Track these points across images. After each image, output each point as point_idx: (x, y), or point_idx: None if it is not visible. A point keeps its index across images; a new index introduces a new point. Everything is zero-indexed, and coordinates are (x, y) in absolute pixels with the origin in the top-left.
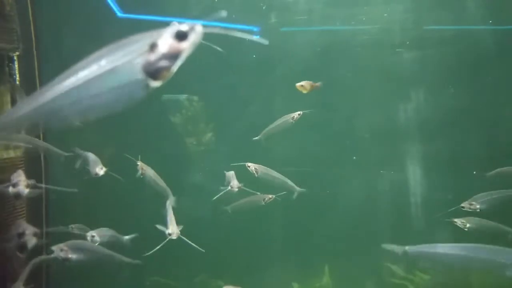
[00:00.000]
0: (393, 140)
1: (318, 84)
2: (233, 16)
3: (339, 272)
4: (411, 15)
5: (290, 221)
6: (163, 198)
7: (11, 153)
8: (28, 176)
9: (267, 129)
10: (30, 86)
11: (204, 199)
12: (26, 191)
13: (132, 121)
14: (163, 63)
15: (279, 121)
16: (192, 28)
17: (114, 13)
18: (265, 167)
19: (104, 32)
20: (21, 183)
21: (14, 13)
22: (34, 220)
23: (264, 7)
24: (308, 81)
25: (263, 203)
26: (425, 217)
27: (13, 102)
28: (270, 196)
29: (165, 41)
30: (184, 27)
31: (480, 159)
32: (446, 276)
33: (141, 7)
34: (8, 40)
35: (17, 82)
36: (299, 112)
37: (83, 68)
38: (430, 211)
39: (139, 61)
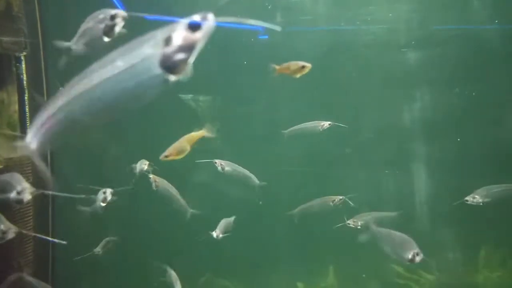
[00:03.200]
0: (398, 140)
1: (306, 65)
2: (238, 15)
3: (344, 272)
4: (416, 15)
5: (295, 221)
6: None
7: (18, 153)
8: (35, 175)
9: (294, 127)
10: (37, 86)
11: (208, 199)
12: (29, 198)
13: (135, 121)
14: (179, 55)
15: (308, 125)
16: (204, 18)
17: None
18: (230, 163)
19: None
20: (26, 191)
21: (22, 14)
22: (40, 220)
23: (269, 7)
24: (296, 62)
25: (332, 204)
26: (430, 217)
27: (20, 102)
28: (340, 197)
29: (179, 33)
30: (196, 18)
31: (486, 159)
32: (451, 276)
33: (147, 7)
34: (15, 40)
35: (24, 82)
36: (329, 122)
37: (102, 66)
38: (435, 211)
39: (156, 56)
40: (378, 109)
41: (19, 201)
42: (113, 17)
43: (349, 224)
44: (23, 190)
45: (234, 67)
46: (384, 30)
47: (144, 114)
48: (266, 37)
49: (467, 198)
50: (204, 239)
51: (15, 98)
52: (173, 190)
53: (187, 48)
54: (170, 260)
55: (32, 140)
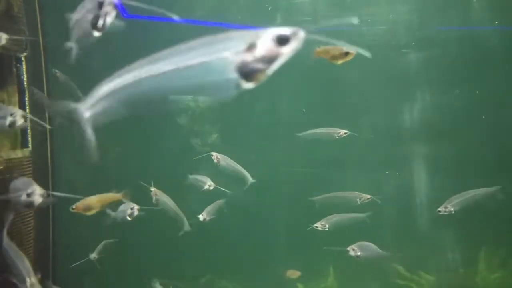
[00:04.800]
0: (398, 141)
1: (349, 52)
2: (239, 17)
3: (344, 273)
4: (417, 16)
5: (295, 222)
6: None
7: (19, 153)
8: (35, 176)
9: (310, 131)
10: (37, 86)
11: (209, 199)
12: (40, 200)
13: (136, 121)
14: (259, 65)
15: (325, 130)
16: (294, 34)
17: (120, 14)
18: (226, 157)
19: (110, 34)
20: (36, 193)
21: (22, 15)
22: (40, 221)
23: (269, 8)
24: (337, 46)
25: (358, 202)
26: (430, 218)
27: (21, 103)
28: (369, 197)
29: (265, 43)
30: (286, 31)
31: (486, 159)
32: (451, 277)
33: (147, 9)
34: (16, 41)
35: (25, 83)
36: (345, 131)
37: (176, 54)
38: (434, 212)
39: (234, 60)
40: (378, 110)
41: (30, 204)
42: (101, 4)
43: (316, 227)
44: (33, 192)
45: None
46: (385, 31)
47: (145, 116)
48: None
49: (439, 209)
50: (199, 237)
51: (15, 98)
52: (171, 203)
53: (269, 59)
54: (171, 263)
55: (87, 109)
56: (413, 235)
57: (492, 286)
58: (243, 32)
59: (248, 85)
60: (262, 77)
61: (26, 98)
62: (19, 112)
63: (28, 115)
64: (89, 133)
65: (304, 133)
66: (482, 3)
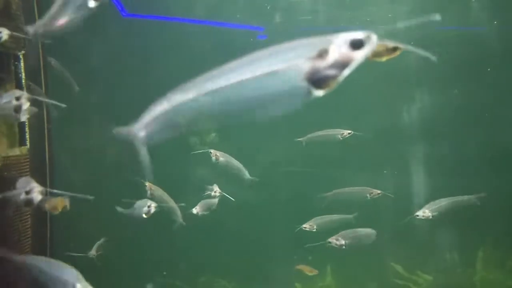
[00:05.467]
0: (396, 141)
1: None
2: (238, 16)
3: (342, 273)
4: (416, 16)
5: (293, 221)
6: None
7: (17, 151)
8: (33, 174)
9: (313, 134)
10: (35, 84)
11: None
12: (39, 198)
13: (135, 120)
14: (331, 71)
15: (328, 132)
16: (368, 37)
17: (119, 13)
18: (225, 154)
19: (109, 32)
20: (35, 190)
21: (20, 12)
22: (38, 219)
23: (268, 7)
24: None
25: (368, 197)
26: (428, 218)
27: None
28: (379, 192)
29: (338, 48)
30: (361, 35)
31: (484, 159)
32: (449, 277)
33: (146, 7)
34: (14, 39)
35: (23, 81)
36: (349, 131)
37: (245, 66)
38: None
39: (305, 67)
40: (377, 110)
41: (29, 202)
42: None
43: (305, 228)
44: (32, 189)
45: None
46: (384, 30)
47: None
48: (265, 37)
49: (417, 213)
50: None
51: None
52: (166, 198)
53: (342, 65)
54: (170, 263)
55: (141, 129)
56: (412, 235)
57: (490, 286)
58: (313, 39)
59: (319, 93)
60: (334, 84)
61: None
62: (25, 96)
63: (43, 99)
64: (144, 153)
65: (306, 137)
66: (481, 2)
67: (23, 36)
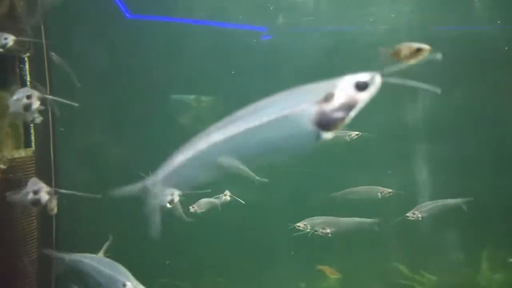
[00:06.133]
0: (400, 141)
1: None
2: (240, 16)
3: (346, 272)
4: (418, 16)
5: (298, 220)
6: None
7: (22, 153)
8: (38, 175)
9: None
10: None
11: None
12: (46, 198)
13: (140, 122)
14: (338, 114)
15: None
16: (372, 78)
17: (122, 14)
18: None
19: (112, 33)
20: (42, 190)
21: (25, 15)
22: (44, 219)
23: (271, 8)
24: (404, 45)
25: (379, 196)
26: (433, 217)
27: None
28: (390, 190)
29: (343, 91)
30: (365, 77)
31: (488, 160)
32: (453, 277)
33: (149, 9)
34: (18, 41)
35: (28, 83)
36: (356, 132)
37: (252, 113)
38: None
39: (312, 111)
40: (379, 109)
41: (37, 202)
42: None
43: (299, 226)
44: (39, 189)
45: (236, 68)
46: (386, 30)
47: (147, 115)
48: (269, 37)
49: (408, 214)
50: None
51: None
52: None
53: (349, 107)
54: (172, 263)
55: (159, 182)
56: (416, 234)
57: (494, 286)
58: (318, 84)
59: (328, 135)
60: (342, 125)
61: None
62: (35, 94)
63: (53, 97)
64: (156, 209)
65: None
66: (484, 2)
67: (28, 40)
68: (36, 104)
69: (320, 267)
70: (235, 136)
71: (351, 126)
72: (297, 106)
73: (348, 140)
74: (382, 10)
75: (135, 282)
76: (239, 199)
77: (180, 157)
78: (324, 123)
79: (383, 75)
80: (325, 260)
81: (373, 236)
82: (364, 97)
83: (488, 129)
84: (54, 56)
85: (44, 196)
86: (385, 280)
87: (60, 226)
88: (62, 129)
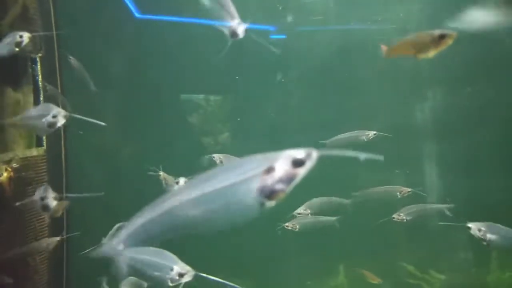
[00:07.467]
0: (409, 140)
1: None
2: (249, 16)
3: (354, 272)
4: (427, 15)
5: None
6: None
7: (34, 152)
8: (49, 174)
9: (336, 137)
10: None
11: None
12: (54, 203)
13: (148, 121)
14: (278, 186)
15: (352, 134)
16: (308, 155)
17: (132, 14)
18: (229, 156)
19: (123, 33)
20: (49, 196)
21: (37, 16)
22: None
23: (280, 8)
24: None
25: (399, 196)
26: (442, 216)
27: (36, 103)
28: (409, 190)
29: (282, 166)
30: (301, 155)
31: (499, 160)
32: (463, 277)
33: (158, 8)
34: (31, 42)
35: (40, 83)
36: (374, 132)
37: (200, 183)
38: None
39: (256, 182)
40: (389, 109)
41: (45, 207)
42: None
43: (287, 226)
44: (46, 196)
45: (245, 67)
46: (395, 30)
47: (158, 114)
48: (279, 37)
49: (394, 215)
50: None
51: (30, 99)
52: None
53: (287, 180)
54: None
55: (120, 243)
56: (424, 234)
57: (504, 286)
58: (261, 156)
59: (271, 203)
60: (283, 196)
61: (41, 98)
62: (61, 113)
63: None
64: (123, 268)
65: (330, 140)
66: (495, 1)
67: (37, 39)
68: (61, 122)
69: (363, 271)
70: (188, 201)
71: (362, 124)
72: (244, 175)
73: (366, 140)
74: (390, 9)
75: (182, 264)
76: None
77: (137, 221)
78: (266, 193)
79: (321, 149)
80: (332, 259)
81: (382, 235)
82: (301, 172)
83: (498, 128)
84: (72, 59)
85: (51, 202)
86: (393, 279)
87: (71, 224)
88: (81, 132)
